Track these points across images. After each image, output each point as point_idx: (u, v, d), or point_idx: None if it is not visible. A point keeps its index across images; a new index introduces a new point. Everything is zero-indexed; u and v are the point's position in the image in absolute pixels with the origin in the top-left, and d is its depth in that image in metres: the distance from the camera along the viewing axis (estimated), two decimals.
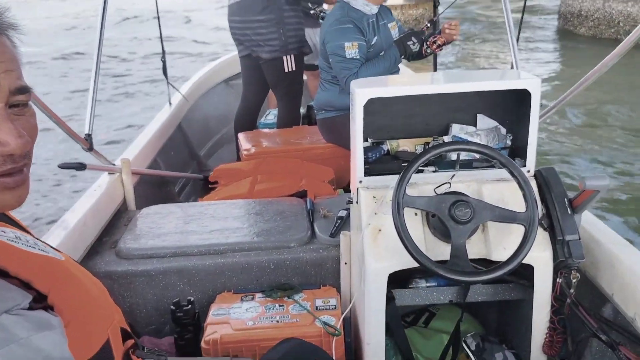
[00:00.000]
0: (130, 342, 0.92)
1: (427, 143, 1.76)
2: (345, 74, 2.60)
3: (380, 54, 2.67)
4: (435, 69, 2.97)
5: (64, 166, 2.16)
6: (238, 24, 3.10)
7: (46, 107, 1.84)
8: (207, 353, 1.60)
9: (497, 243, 1.54)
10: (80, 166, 2.14)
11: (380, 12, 2.75)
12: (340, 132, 2.86)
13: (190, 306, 1.76)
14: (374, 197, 1.58)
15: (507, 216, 1.46)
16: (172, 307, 1.76)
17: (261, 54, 3.10)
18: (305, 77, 3.82)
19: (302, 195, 2.41)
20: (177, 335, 1.76)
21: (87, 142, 2.11)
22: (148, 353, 0.97)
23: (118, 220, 2.20)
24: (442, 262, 1.44)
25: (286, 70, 3.09)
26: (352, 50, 2.56)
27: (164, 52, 3.05)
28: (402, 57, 2.68)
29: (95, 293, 0.78)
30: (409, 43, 2.63)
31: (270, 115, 3.72)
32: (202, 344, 1.61)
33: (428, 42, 2.66)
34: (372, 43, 2.65)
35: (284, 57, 3.06)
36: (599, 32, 9.98)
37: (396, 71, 2.75)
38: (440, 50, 2.71)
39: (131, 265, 1.88)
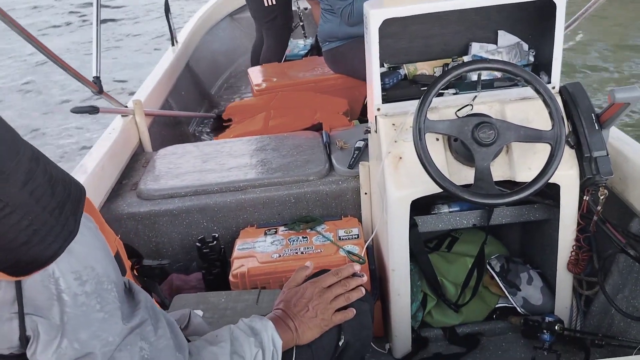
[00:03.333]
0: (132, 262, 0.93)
1: (446, 64, 1.69)
2: (340, 4, 2.50)
3: None
4: None
5: (76, 110, 2.14)
6: None
7: (52, 53, 1.80)
8: (236, 286, 1.63)
9: (522, 163, 1.51)
10: (93, 109, 2.12)
11: None
12: (346, 62, 2.78)
13: (215, 242, 1.78)
14: (393, 124, 1.54)
15: (532, 135, 1.41)
16: (197, 244, 1.78)
17: None
18: (309, 5, 3.69)
19: (317, 128, 2.38)
20: (205, 270, 1.79)
21: (96, 86, 2.08)
22: (146, 267, 0.99)
23: (136, 162, 2.21)
24: (466, 187, 1.41)
25: (266, 5, 3.03)
26: None
27: None
28: None
29: (98, 213, 0.80)
30: None
31: (296, 47, 3.62)
32: (230, 278, 1.63)
33: None
34: None
35: None
36: None
37: None
38: None
39: (153, 205, 1.89)
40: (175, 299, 1.58)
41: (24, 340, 0.66)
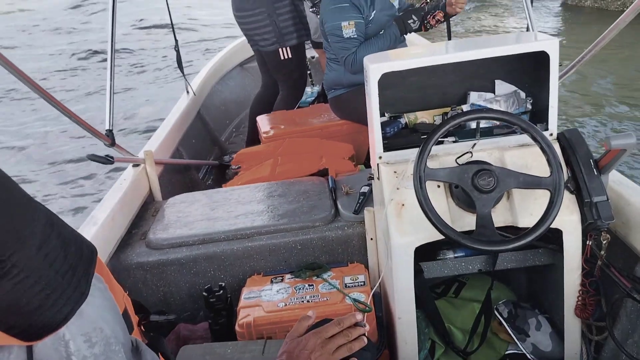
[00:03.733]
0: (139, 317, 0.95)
1: (446, 113, 1.73)
2: (343, 54, 2.59)
3: (380, 32, 2.64)
4: (449, 38, 2.91)
5: (92, 158, 2.19)
6: (238, 18, 3.14)
7: (65, 108, 1.87)
8: (242, 336, 1.63)
9: (523, 209, 1.52)
10: (107, 160, 2.18)
11: None
12: (350, 108, 2.86)
13: (222, 291, 1.79)
14: (395, 172, 1.57)
15: (531, 182, 1.43)
16: (204, 293, 1.79)
17: (259, 46, 3.17)
18: (317, 54, 3.79)
19: (323, 173, 2.42)
20: (212, 320, 1.80)
21: (109, 138, 2.15)
22: (153, 322, 1.00)
23: (146, 211, 2.24)
24: (468, 233, 1.43)
25: (282, 58, 3.13)
26: (349, 29, 2.55)
27: (176, 41, 3.05)
28: (402, 35, 2.65)
29: (107, 271, 0.82)
30: (410, 22, 2.60)
31: (304, 94, 3.71)
32: (236, 328, 1.64)
33: (428, 18, 2.61)
34: (371, 18, 2.62)
35: (280, 49, 3.11)
36: (604, 4, 9.66)
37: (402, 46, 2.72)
38: (442, 23, 2.67)
39: (162, 255, 1.92)
40: (181, 350, 1.59)
41: None
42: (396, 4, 2.78)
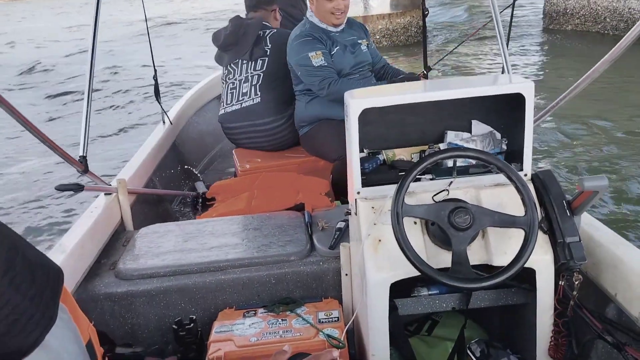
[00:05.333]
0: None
1: (423, 151, 1.76)
2: (317, 81, 2.65)
3: (347, 67, 2.74)
4: (425, 64, 3.00)
5: (61, 188, 2.14)
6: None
7: (38, 131, 1.84)
8: None
9: (498, 248, 1.54)
10: (77, 187, 2.12)
11: (352, 28, 2.85)
12: (315, 145, 2.91)
13: (192, 324, 1.74)
14: (373, 207, 1.58)
15: (506, 221, 1.46)
16: (174, 326, 1.74)
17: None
18: None
19: (299, 208, 2.41)
20: (181, 354, 1.74)
21: (82, 165, 2.11)
22: (118, 355, 0.97)
23: (116, 241, 2.19)
24: (443, 270, 1.43)
25: None
26: (317, 58, 2.65)
27: (155, 71, 3.06)
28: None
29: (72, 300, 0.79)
30: None
31: None
32: None
33: None
34: (333, 52, 2.71)
35: None
36: (585, 28, 10.11)
37: None
38: None
39: (131, 285, 1.86)
40: None
41: None
42: (364, 47, 2.88)
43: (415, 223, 1.55)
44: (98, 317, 1.86)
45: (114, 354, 0.96)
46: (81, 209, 4.25)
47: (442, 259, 1.54)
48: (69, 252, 1.84)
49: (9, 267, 0.61)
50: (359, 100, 1.54)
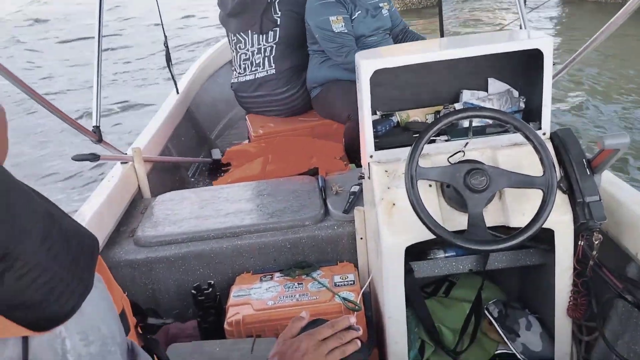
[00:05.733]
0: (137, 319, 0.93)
1: (438, 112, 1.72)
2: (335, 48, 2.59)
3: (367, 32, 2.66)
4: (442, 35, 2.91)
5: (77, 158, 2.17)
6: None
7: (50, 105, 1.84)
8: (231, 334, 1.61)
9: (515, 209, 1.51)
10: (94, 157, 2.14)
11: None
12: (326, 107, 2.87)
13: (210, 289, 1.77)
14: (386, 171, 1.56)
15: (524, 181, 1.42)
16: (193, 291, 1.77)
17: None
18: None
19: (313, 172, 2.41)
20: (200, 318, 1.77)
21: (96, 135, 2.11)
22: (148, 325, 0.98)
23: (134, 209, 2.21)
24: (459, 232, 1.42)
25: None
26: (338, 24, 2.58)
27: (165, 37, 3.02)
28: None
29: (107, 270, 0.80)
30: None
31: None
32: (225, 326, 1.62)
33: None
34: (354, 17, 2.63)
35: None
36: None
37: None
38: None
39: (150, 252, 1.89)
40: (170, 348, 1.56)
41: None
42: (385, 11, 2.79)
43: (430, 186, 1.52)
44: (119, 283, 1.88)
45: (145, 325, 0.97)
46: (98, 179, 4.30)
47: (458, 221, 1.52)
48: (88, 220, 1.86)
49: (46, 236, 0.62)
50: (371, 61, 1.50)
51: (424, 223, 1.38)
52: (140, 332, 0.92)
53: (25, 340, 0.63)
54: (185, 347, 1.56)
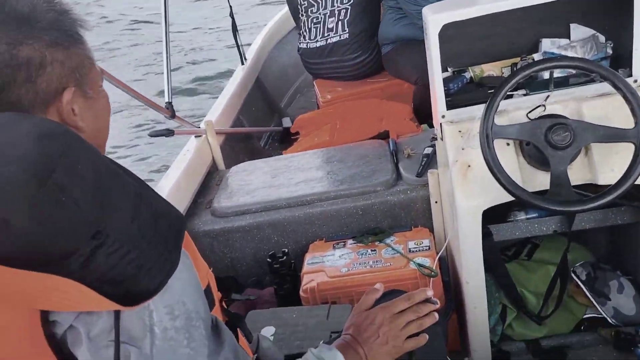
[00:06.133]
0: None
1: (515, 64, 1.60)
2: (417, 11, 2.45)
3: None
4: None
5: (153, 134, 2.25)
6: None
7: (122, 84, 1.90)
8: (307, 301, 1.63)
9: (604, 165, 1.40)
10: (168, 132, 2.22)
11: None
12: (397, 66, 2.75)
13: (285, 257, 1.80)
14: (460, 131, 1.48)
15: (612, 135, 1.31)
16: (268, 259, 1.80)
17: None
18: None
19: (383, 136, 2.35)
20: (277, 285, 1.81)
21: (169, 110, 2.17)
22: (233, 299, 1.00)
23: (210, 180, 2.27)
24: (541, 193, 1.33)
25: None
26: None
27: (231, 8, 3.02)
28: None
29: (193, 246, 0.82)
30: None
31: None
32: (301, 293, 1.64)
33: None
34: None
35: None
36: None
37: None
38: None
39: (227, 222, 1.94)
40: (250, 314, 1.61)
41: None
42: None
43: (507, 144, 1.43)
44: (200, 253, 1.96)
45: (230, 300, 1.00)
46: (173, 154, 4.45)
47: (539, 181, 1.43)
48: (167, 194, 1.93)
49: (136, 215, 0.64)
50: (438, 15, 1.41)
51: (502, 185, 1.31)
52: (225, 307, 0.94)
53: (117, 312, 0.66)
54: (264, 314, 1.60)
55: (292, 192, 1.95)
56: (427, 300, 1.02)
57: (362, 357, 0.95)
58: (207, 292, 0.80)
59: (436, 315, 1.02)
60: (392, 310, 1.00)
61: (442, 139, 1.53)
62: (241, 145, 2.83)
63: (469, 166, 1.44)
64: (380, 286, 1.07)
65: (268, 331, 1.52)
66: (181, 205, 2.01)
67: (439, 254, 1.62)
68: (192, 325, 0.71)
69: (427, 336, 0.99)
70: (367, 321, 1.00)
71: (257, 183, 2.09)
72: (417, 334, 0.99)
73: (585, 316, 1.70)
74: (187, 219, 2.01)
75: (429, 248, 1.67)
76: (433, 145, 1.88)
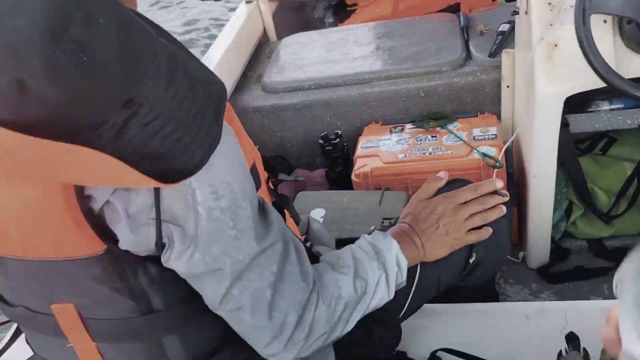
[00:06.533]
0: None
1: None
2: None
3: None
4: None
5: None
6: None
7: None
8: (359, 186, 1.57)
9: None
10: None
11: None
12: None
13: (338, 139, 1.72)
14: (549, 3, 1.27)
15: None
16: (320, 140, 1.73)
17: None
18: None
19: (454, 9, 2.14)
20: (328, 168, 1.76)
21: None
22: (280, 180, 0.94)
23: (260, 52, 2.16)
24: (636, 81, 1.15)
25: None
26: None
27: None
28: None
29: (238, 122, 0.75)
30: None
31: None
32: (353, 177, 1.58)
33: None
34: None
35: None
36: None
37: None
38: None
39: (277, 99, 1.86)
40: (299, 195, 1.58)
41: (160, 245, 0.66)
42: None
43: (604, 22, 1.23)
44: (249, 129, 1.88)
45: (277, 180, 0.93)
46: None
47: (635, 66, 1.23)
48: (215, 65, 1.83)
49: (170, 81, 0.57)
50: None
51: (594, 68, 1.13)
52: (272, 187, 0.88)
53: (157, 190, 0.61)
54: (314, 195, 1.56)
55: (347, 69, 1.83)
56: (495, 192, 0.92)
57: (419, 248, 0.89)
58: (253, 171, 0.74)
59: (504, 208, 0.92)
60: (456, 200, 0.91)
61: (526, 12, 1.33)
62: (293, 15, 2.66)
63: (556, 45, 1.25)
64: (444, 175, 0.97)
65: (318, 213, 1.48)
66: (230, 78, 1.92)
67: (507, 144, 1.49)
68: (238, 206, 0.66)
69: (491, 230, 0.91)
70: (426, 210, 0.92)
71: (311, 57, 1.96)
72: (480, 227, 0.91)
73: None
74: (237, 94, 1.93)
75: (496, 137, 1.54)
76: (511, 22, 1.67)
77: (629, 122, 1.44)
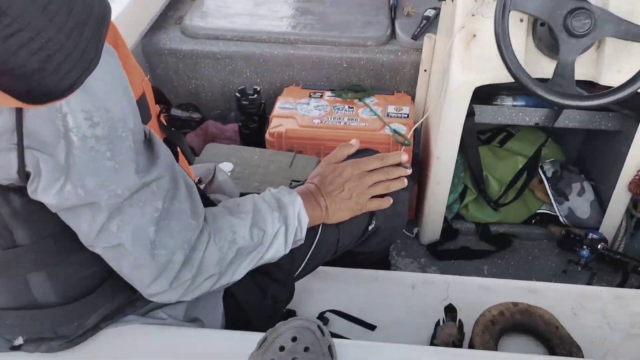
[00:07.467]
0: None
1: None
2: None
3: None
4: None
5: None
6: None
7: None
8: (271, 145, 1.57)
9: (612, 64, 1.30)
10: None
11: None
12: None
13: (256, 95, 1.69)
14: None
15: (635, 33, 1.20)
16: (237, 94, 1.69)
17: None
18: None
19: None
20: (242, 123, 1.73)
21: None
22: (174, 116, 0.90)
23: None
24: (542, 81, 1.24)
25: None
26: None
27: None
28: None
29: (125, 47, 0.70)
30: None
31: None
32: (267, 136, 1.57)
33: None
34: None
35: None
36: None
37: None
38: None
39: (197, 44, 1.79)
40: (207, 146, 1.54)
41: (23, 174, 0.60)
42: None
43: (521, 20, 1.30)
44: (162, 71, 1.83)
45: (169, 115, 0.88)
46: None
47: (542, 67, 1.33)
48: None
49: None
50: None
51: (505, 63, 1.20)
52: (164, 123, 0.83)
53: (19, 111, 0.56)
54: (223, 148, 1.53)
55: (274, 27, 1.79)
56: (400, 165, 0.97)
57: (322, 209, 0.91)
58: (142, 102, 0.70)
59: (405, 180, 0.97)
60: (362, 167, 0.94)
61: (452, 0, 1.37)
62: None
63: (475, 36, 1.31)
64: (356, 142, 1.00)
65: (226, 167, 1.46)
66: (148, 14, 1.82)
67: (416, 124, 1.55)
68: (117, 135, 0.62)
69: (392, 200, 0.95)
70: (334, 173, 0.94)
71: (238, 8, 1.90)
72: (382, 196, 0.95)
73: (538, 211, 1.72)
74: (153, 32, 1.83)
75: (408, 116, 1.60)
76: (437, 8, 1.72)
77: (527, 119, 1.55)
